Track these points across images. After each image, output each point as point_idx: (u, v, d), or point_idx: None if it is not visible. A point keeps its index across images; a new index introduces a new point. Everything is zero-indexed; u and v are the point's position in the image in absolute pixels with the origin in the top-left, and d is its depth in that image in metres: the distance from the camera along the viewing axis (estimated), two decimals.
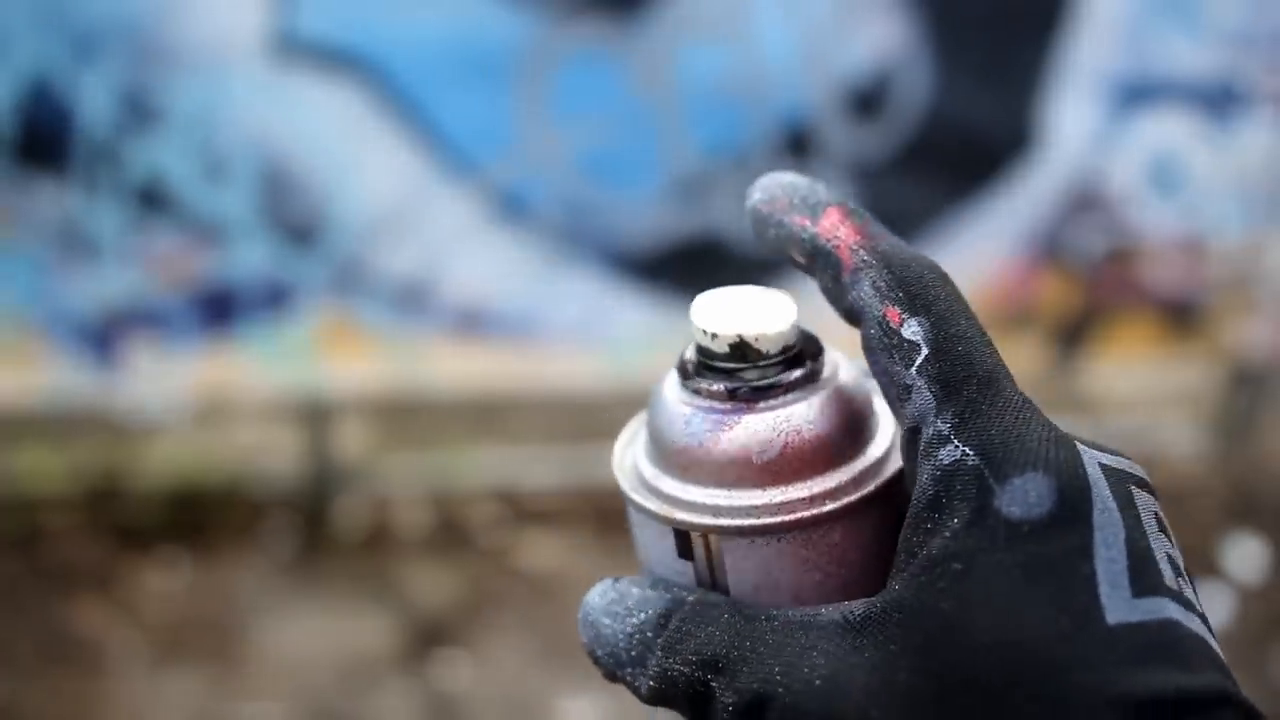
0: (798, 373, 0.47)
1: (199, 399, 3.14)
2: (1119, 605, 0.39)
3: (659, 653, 0.44)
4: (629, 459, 0.51)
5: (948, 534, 0.40)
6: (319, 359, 3.13)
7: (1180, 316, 3.48)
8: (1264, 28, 3.29)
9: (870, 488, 0.47)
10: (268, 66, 2.89)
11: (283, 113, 2.94)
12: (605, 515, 3.22)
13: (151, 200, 2.93)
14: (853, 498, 0.47)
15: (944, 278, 0.44)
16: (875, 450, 0.48)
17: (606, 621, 0.46)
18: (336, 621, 2.90)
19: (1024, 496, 0.40)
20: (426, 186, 3.05)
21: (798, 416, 0.46)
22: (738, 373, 0.47)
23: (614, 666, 0.45)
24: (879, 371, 0.44)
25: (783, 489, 0.46)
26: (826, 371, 0.49)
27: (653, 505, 0.48)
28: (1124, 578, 0.39)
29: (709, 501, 0.46)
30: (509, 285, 3.15)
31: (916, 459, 0.43)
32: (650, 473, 0.49)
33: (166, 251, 2.99)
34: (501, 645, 2.88)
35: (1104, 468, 0.41)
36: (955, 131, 3.17)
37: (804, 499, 0.46)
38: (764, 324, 0.47)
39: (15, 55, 2.79)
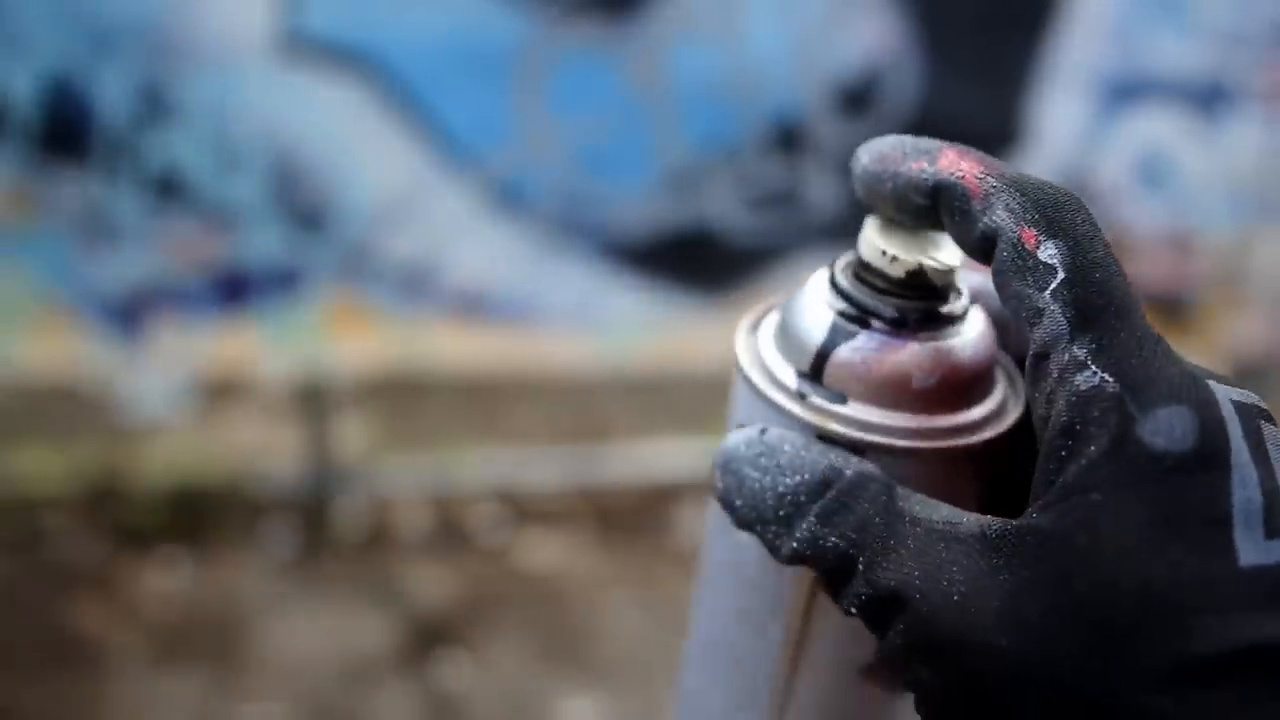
0: (958, 307, 0.48)
1: (210, 380, 3.17)
2: (1252, 548, 0.37)
3: (813, 519, 0.42)
4: (753, 352, 0.50)
5: (1084, 462, 0.38)
6: (326, 339, 3.16)
7: (1170, 312, 3.48)
8: (1253, 25, 3.28)
9: (1010, 421, 0.49)
10: (277, 63, 2.93)
11: (292, 107, 2.98)
12: (606, 514, 3.21)
13: (169, 188, 2.99)
14: (997, 431, 0.48)
15: (1080, 203, 0.42)
16: (1002, 389, 0.50)
17: (753, 474, 0.44)
18: (337, 622, 2.86)
19: (1169, 429, 0.38)
20: (429, 177, 3.07)
21: (957, 350, 0.47)
22: (908, 298, 0.47)
23: (753, 520, 0.43)
24: (1010, 295, 0.42)
25: (933, 417, 0.47)
26: (974, 310, 0.49)
27: (799, 410, 0.47)
28: (1258, 519, 0.37)
29: (862, 416, 0.46)
30: (507, 272, 3.18)
31: (1046, 385, 0.41)
32: (790, 378, 0.48)
33: (184, 236, 3.05)
34: (502, 646, 2.84)
35: (1235, 404, 0.39)
36: (945, 128, 2.74)
37: (954, 427, 0.47)
38: (940, 257, 0.47)
39: (38, 51, 2.85)
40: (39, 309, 3.05)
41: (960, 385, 0.47)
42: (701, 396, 2.97)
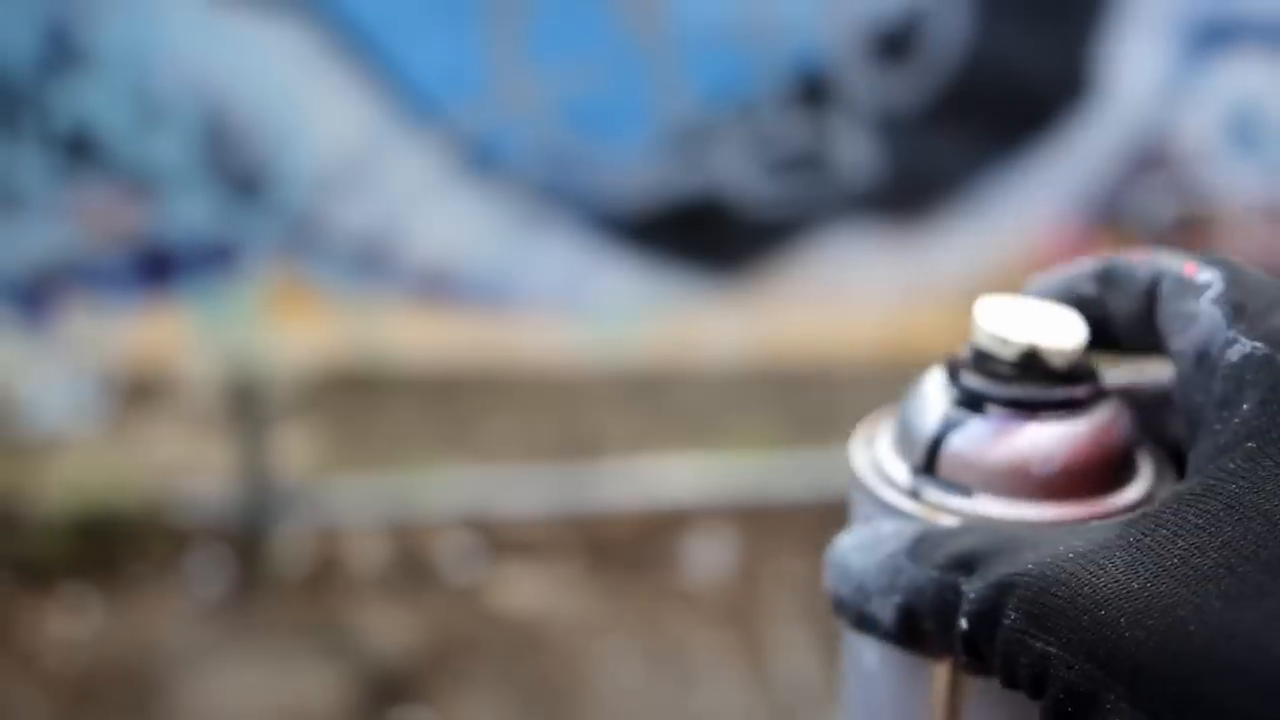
0: (1082, 390, 0.48)
1: (127, 378, 3.10)
2: None
3: (908, 568, 0.43)
4: (869, 458, 0.52)
5: (1238, 420, 0.40)
6: (265, 327, 3.12)
7: None
8: None
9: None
10: (206, 1, 2.88)
11: (224, 53, 2.91)
12: (598, 546, 3.16)
13: (80, 148, 2.91)
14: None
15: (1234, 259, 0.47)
16: (1142, 485, 0.50)
17: (856, 557, 0.46)
18: (275, 675, 2.77)
19: None
20: (386, 135, 3.02)
21: (1082, 434, 0.48)
22: (1023, 383, 0.48)
23: (860, 602, 0.45)
24: (1168, 316, 0.46)
25: (1056, 506, 0.47)
26: (1109, 399, 0.50)
27: (911, 506, 0.48)
28: None
29: (980, 509, 0.47)
30: (479, 247, 3.12)
31: (1205, 380, 0.43)
32: (903, 475, 0.50)
33: (98, 205, 2.97)
34: (474, 703, 2.75)
35: None
36: (999, 78, 3.14)
37: (1084, 518, 0.47)
38: (1057, 338, 0.48)
39: None
40: None
41: (1090, 472, 0.48)
42: (713, 401, 3.22)
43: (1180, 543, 0.38)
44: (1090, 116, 3.18)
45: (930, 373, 0.51)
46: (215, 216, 3.00)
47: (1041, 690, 0.39)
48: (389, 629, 2.94)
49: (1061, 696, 0.38)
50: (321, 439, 3.23)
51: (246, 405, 3.11)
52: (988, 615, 0.40)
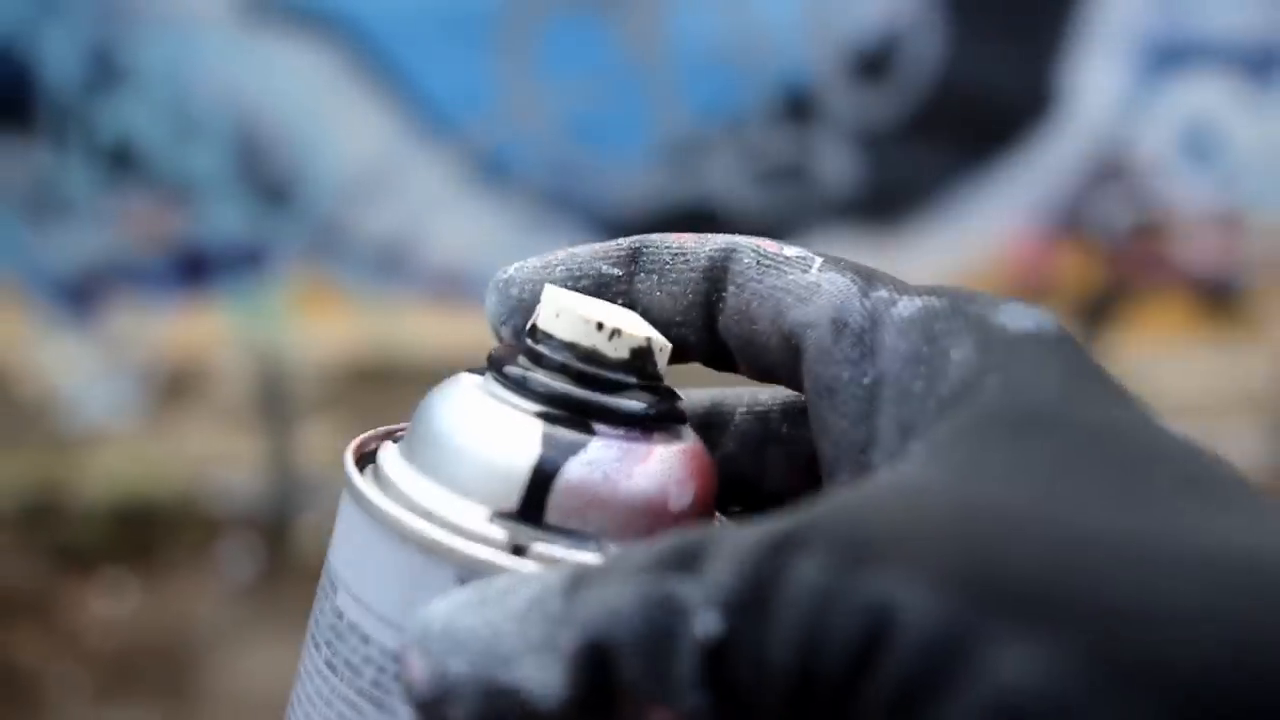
0: (676, 398, 0.37)
1: (165, 374, 3.10)
2: None
3: (580, 603, 0.28)
4: (398, 498, 0.35)
5: (955, 367, 0.32)
6: (293, 323, 3.11)
7: (1217, 299, 3.35)
8: None
9: None
10: (239, 23, 2.89)
11: (255, 71, 2.93)
12: None
13: (122, 160, 2.93)
14: None
15: None
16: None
17: (470, 617, 0.29)
18: (300, 652, 2.70)
19: (1023, 312, 0.34)
20: (405, 148, 3.03)
21: (697, 453, 0.36)
22: (634, 392, 0.36)
23: (490, 672, 0.28)
24: (761, 294, 0.36)
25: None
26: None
27: (522, 567, 0.32)
28: None
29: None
30: (490, 250, 3.09)
31: (851, 351, 0.35)
32: (472, 518, 0.34)
33: (139, 211, 2.99)
34: None
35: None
36: (969, 95, 3.10)
37: None
38: (651, 331, 0.37)
39: None
40: None
41: (710, 500, 0.37)
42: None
43: (996, 458, 0.29)
44: (1054, 131, 3.16)
45: (459, 378, 0.37)
46: (247, 222, 3.00)
47: (867, 670, 0.25)
48: None
49: (909, 661, 0.25)
50: (344, 431, 3.15)
51: (274, 399, 3.10)
52: (755, 606, 0.26)
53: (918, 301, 0.34)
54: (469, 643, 0.29)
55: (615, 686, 0.27)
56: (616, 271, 0.38)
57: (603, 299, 0.37)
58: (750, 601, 0.26)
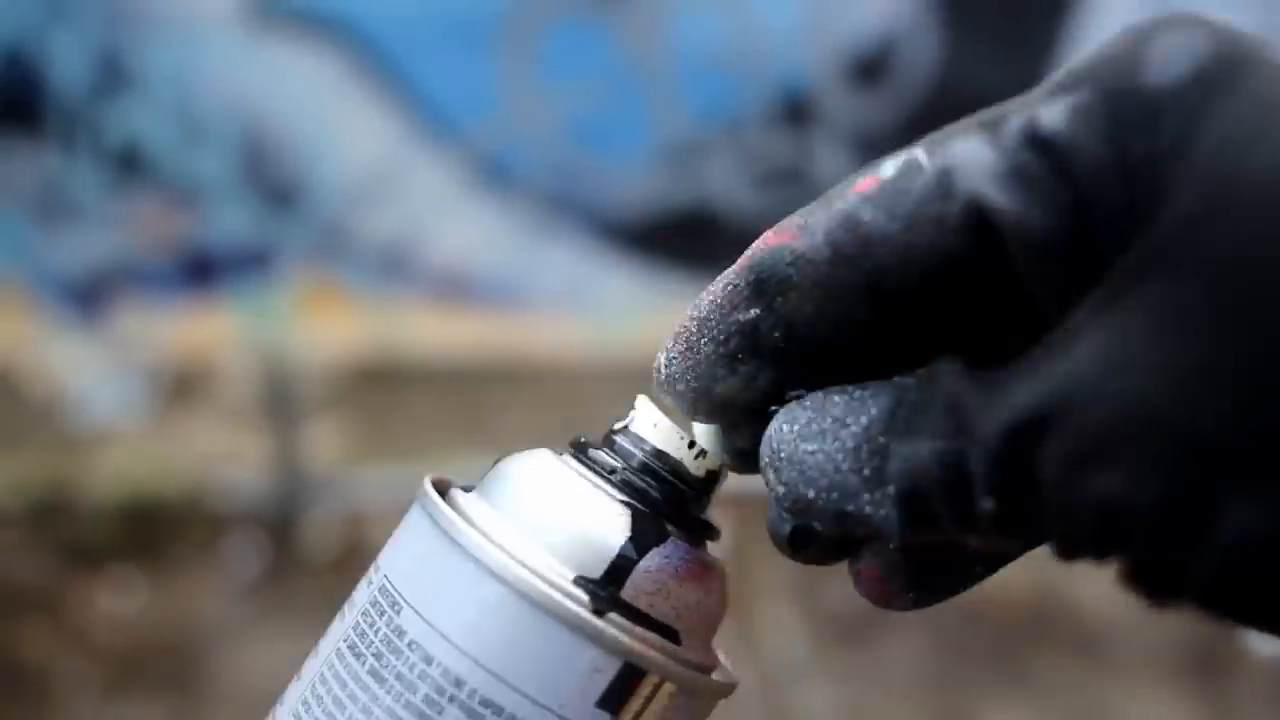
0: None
1: (172, 373, 3.11)
2: None
3: (899, 447, 0.32)
4: (491, 528, 0.39)
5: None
6: (298, 324, 3.11)
7: None
8: None
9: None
10: (244, 27, 2.88)
11: (261, 75, 2.93)
12: None
13: (129, 163, 2.93)
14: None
15: None
16: None
17: (811, 448, 0.34)
18: (306, 649, 2.61)
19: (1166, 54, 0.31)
20: (408, 151, 3.03)
21: (724, 567, 0.41)
22: (700, 504, 0.41)
23: (841, 503, 0.33)
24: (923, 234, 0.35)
25: (711, 647, 0.41)
26: None
27: (606, 626, 0.36)
28: None
29: (670, 647, 0.38)
30: (492, 252, 3.12)
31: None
32: (556, 572, 0.38)
33: (146, 214, 2.99)
34: None
35: None
36: (966, 100, 2.74)
37: (724, 663, 0.42)
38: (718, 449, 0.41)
39: None
40: None
41: (723, 609, 0.41)
42: None
43: (1199, 341, 0.28)
44: None
45: (542, 452, 0.41)
46: (253, 224, 3.01)
47: (1114, 539, 0.29)
48: None
49: (1149, 533, 0.29)
50: (348, 430, 3.17)
51: (280, 399, 3.10)
52: (1018, 475, 0.30)
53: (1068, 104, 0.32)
54: (816, 479, 0.34)
55: (932, 520, 0.32)
56: (755, 311, 0.36)
57: (750, 341, 0.37)
58: (1012, 476, 0.31)
